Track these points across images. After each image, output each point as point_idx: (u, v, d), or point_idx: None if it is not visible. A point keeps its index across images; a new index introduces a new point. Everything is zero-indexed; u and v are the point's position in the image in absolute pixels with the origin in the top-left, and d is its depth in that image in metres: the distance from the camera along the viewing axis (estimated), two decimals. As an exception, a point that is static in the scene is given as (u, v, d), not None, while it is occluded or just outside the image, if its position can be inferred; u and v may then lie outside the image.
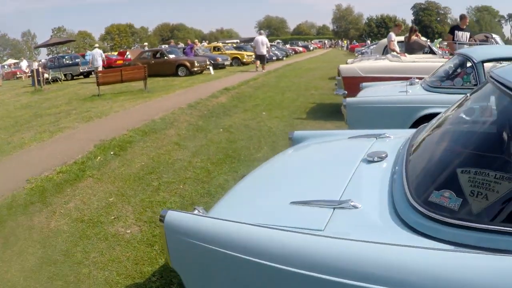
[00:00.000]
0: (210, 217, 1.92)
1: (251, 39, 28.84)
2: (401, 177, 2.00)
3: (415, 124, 4.74)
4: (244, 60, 26.96)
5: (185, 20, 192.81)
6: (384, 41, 11.68)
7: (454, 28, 9.58)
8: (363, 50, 16.44)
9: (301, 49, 52.32)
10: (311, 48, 61.61)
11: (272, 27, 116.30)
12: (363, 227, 1.73)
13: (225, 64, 24.46)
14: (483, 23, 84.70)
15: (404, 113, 4.88)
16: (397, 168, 2.20)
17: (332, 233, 1.65)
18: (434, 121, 2.83)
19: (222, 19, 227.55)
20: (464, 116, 2.74)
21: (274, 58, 29.37)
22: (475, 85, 4.82)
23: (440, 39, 16.55)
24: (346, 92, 7.84)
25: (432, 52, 10.12)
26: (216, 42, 40.65)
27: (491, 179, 1.64)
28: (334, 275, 1.43)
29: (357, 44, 50.88)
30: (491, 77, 2.20)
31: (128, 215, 4.20)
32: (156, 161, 5.90)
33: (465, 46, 9.14)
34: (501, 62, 4.85)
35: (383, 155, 2.41)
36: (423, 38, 10.72)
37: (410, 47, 9.57)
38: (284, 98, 11.69)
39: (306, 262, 1.52)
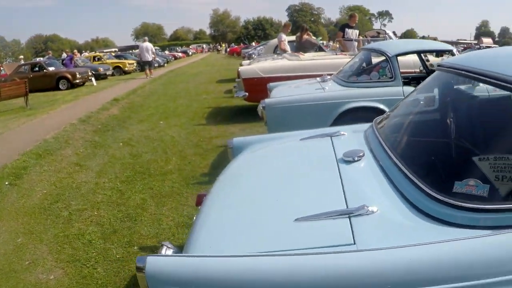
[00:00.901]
0: (210, 256, 1.51)
1: (130, 47, 28.01)
2: (404, 173, 1.89)
3: (337, 120, 4.79)
4: (126, 68, 26.23)
5: (59, 31, 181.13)
6: (274, 41, 11.85)
7: (344, 26, 9.98)
8: (250, 52, 16.56)
9: (180, 54, 52.54)
10: (190, 53, 61.73)
11: (150, 34, 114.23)
12: (393, 231, 1.60)
13: (107, 74, 23.40)
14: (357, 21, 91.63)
15: (326, 110, 4.89)
16: (388, 164, 2.08)
17: (368, 244, 1.47)
18: (393, 113, 2.85)
19: (97, 28, 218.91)
20: (424, 104, 2.91)
21: (156, 65, 28.89)
22: (391, 77, 5.00)
23: (320, 38, 17.29)
24: (246, 94, 7.87)
25: (321, 50, 10.45)
26: (95, 52, 38.93)
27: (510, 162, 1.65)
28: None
29: (236, 47, 51.80)
30: (441, 65, 2.63)
31: (45, 257, 3.54)
32: (59, 187, 5.18)
33: (354, 42, 9.58)
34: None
35: (361, 154, 2.27)
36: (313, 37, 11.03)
37: (302, 46, 9.78)
38: (178, 105, 11.33)
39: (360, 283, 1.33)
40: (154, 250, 3.41)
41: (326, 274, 1.35)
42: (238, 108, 10.24)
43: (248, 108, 10.03)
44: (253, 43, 43.24)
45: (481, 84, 2.43)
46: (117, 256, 3.45)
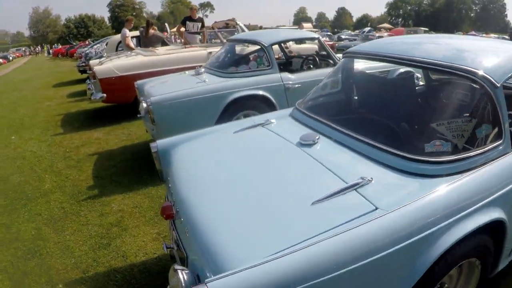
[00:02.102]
0: (263, 263, 1.51)
1: None
2: (374, 145, 2.29)
3: (225, 110, 5.02)
4: None
5: None
6: (115, 38, 11.47)
7: (186, 19, 10.10)
8: (87, 51, 15.67)
9: (1, 60, 47.22)
10: (11, 58, 55.73)
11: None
12: (396, 190, 1.98)
13: None
14: (178, 14, 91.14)
15: (214, 102, 5.06)
16: (351, 141, 2.43)
17: (389, 204, 1.81)
18: (317, 95, 3.24)
19: None
20: (346, 84, 3.42)
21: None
22: (268, 66, 5.40)
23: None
24: (104, 95, 7.61)
25: (165, 44, 10.45)
26: None
27: (458, 123, 2.27)
28: (438, 223, 1.84)
29: (60, 47, 48.43)
30: (347, 52, 3.27)
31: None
32: None
33: (197, 35, 9.84)
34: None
35: (317, 137, 2.55)
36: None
37: (148, 41, 9.69)
38: (22, 115, 10.15)
39: (403, 233, 1.73)
40: (84, 283, 3.25)
41: (371, 239, 1.64)
42: (92, 111, 9.77)
43: (103, 109, 9.61)
44: (79, 42, 40.79)
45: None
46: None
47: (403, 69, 3.86)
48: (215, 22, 10.81)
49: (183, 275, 1.73)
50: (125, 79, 7.57)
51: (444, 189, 1.97)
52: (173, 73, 6.63)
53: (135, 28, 11.34)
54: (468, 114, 2.43)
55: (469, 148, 2.23)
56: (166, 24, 13.41)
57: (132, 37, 10.16)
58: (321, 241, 1.59)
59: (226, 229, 1.86)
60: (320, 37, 6.06)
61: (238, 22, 9.79)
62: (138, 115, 5.42)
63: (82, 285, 3.23)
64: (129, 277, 3.30)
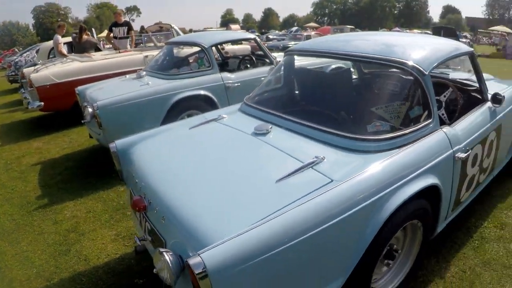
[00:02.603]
0: (243, 233, 1.74)
1: None
2: (323, 129, 2.62)
3: (170, 111, 5.25)
4: None
5: None
6: (47, 45, 11.20)
7: (112, 25, 10.11)
8: (16, 59, 15.02)
9: None
10: None
11: None
12: (346, 165, 2.31)
13: None
14: (104, 18, 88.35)
15: (159, 103, 5.23)
16: (302, 128, 2.74)
17: (342, 177, 2.14)
18: (264, 90, 3.60)
19: None
20: (287, 79, 3.75)
21: None
22: (209, 66, 5.69)
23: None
24: (42, 103, 7.53)
25: (98, 49, 10.40)
26: None
27: (394, 106, 2.68)
28: (383, 190, 2.20)
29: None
30: (289, 50, 3.66)
31: None
32: None
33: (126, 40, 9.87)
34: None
35: (269, 126, 2.83)
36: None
37: (82, 47, 9.54)
38: None
39: (356, 199, 2.08)
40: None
41: (330, 206, 1.95)
42: (29, 121, 9.46)
43: (40, 118, 9.37)
44: (3, 51, 38.63)
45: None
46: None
47: (340, 64, 4.26)
48: (149, 26, 10.85)
49: (169, 256, 1.89)
50: (62, 86, 7.54)
51: (386, 162, 2.32)
52: (111, 78, 6.68)
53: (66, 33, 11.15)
54: (402, 99, 2.83)
55: (405, 126, 2.62)
56: (93, 30, 13.22)
57: (64, 43, 10.02)
58: (290, 210, 1.88)
59: (201, 210, 2.03)
60: (257, 38, 6.40)
61: (172, 25, 9.90)
62: (83, 121, 5.46)
63: None
64: (95, 279, 3.35)
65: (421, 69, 2.72)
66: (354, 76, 4.08)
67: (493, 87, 3.84)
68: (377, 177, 2.21)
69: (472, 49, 3.53)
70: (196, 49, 6.17)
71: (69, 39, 10.38)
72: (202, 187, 2.27)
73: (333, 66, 4.47)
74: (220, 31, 6.59)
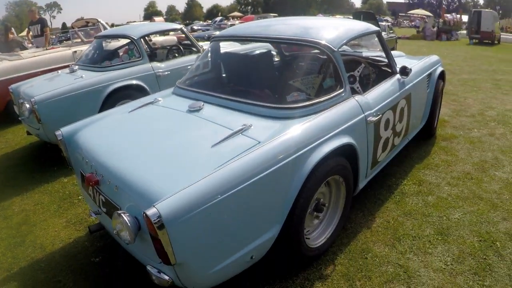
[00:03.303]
0: (187, 187, 2.06)
1: None
2: (249, 102, 2.96)
3: (105, 102, 5.48)
4: None
5: None
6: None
7: (29, 23, 9.95)
8: None
9: None
10: None
11: None
12: (270, 130, 2.64)
13: None
14: (23, 17, 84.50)
15: (94, 95, 5.40)
16: (229, 103, 3.07)
17: (267, 138, 2.49)
18: (193, 74, 3.88)
19: None
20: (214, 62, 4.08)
21: None
22: (139, 57, 5.90)
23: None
24: None
25: (24, 48, 10.23)
26: None
27: (309, 79, 3.08)
28: (303, 148, 2.58)
29: None
30: (215, 37, 4.01)
31: None
32: None
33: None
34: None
35: (201, 104, 3.11)
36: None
37: (9, 46, 9.39)
38: None
39: (280, 156, 2.43)
40: (13, 278, 3.38)
41: (259, 162, 2.29)
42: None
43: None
44: None
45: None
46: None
47: (262, 48, 4.63)
48: (75, 21, 10.74)
49: (126, 217, 2.13)
50: None
51: (305, 125, 2.70)
52: (42, 75, 6.66)
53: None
54: (316, 72, 3.21)
55: (320, 96, 3.00)
56: (13, 29, 12.91)
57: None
58: (225, 167, 2.20)
59: (149, 174, 2.30)
60: (183, 28, 6.65)
61: (99, 20, 9.89)
62: (20, 118, 5.52)
63: (11, 281, 3.34)
64: (53, 263, 3.46)
65: (331, 46, 3.11)
66: (276, 59, 4.44)
67: (404, 62, 4.34)
68: (297, 138, 2.56)
69: (378, 28, 3.99)
70: (125, 41, 6.34)
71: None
72: (147, 157, 2.51)
73: (257, 52, 4.86)
74: (148, 23, 6.75)
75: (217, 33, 4.18)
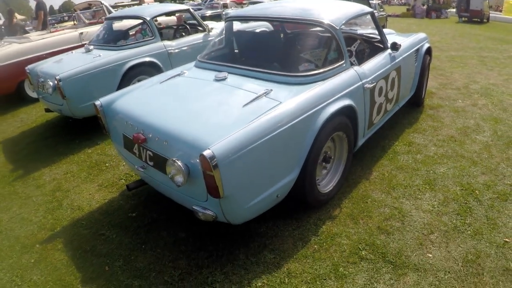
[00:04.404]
0: (232, 134, 2.65)
1: None
2: (268, 72, 3.55)
3: (123, 78, 6.05)
4: None
5: None
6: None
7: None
8: None
9: None
10: None
11: None
12: (289, 92, 3.25)
13: None
14: (10, 2, 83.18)
15: (113, 71, 5.96)
16: (251, 73, 3.66)
17: (286, 99, 3.11)
18: (213, 49, 4.41)
19: None
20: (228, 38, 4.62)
21: None
22: (152, 36, 6.45)
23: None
24: None
25: (26, 31, 10.58)
26: None
27: (317, 52, 3.64)
28: (315, 107, 3.22)
29: None
30: (229, 17, 4.53)
31: None
32: None
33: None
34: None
35: (226, 74, 3.70)
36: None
37: (13, 30, 9.77)
38: None
39: (298, 113, 3.06)
40: (58, 236, 3.74)
41: (282, 116, 2.92)
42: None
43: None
44: None
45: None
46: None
47: (262, 27, 5.26)
48: (78, 4, 11.10)
49: (179, 163, 2.69)
50: (5, 68, 7.81)
51: (315, 90, 3.32)
52: (52, 56, 7.04)
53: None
54: (322, 47, 3.83)
55: (326, 66, 3.62)
56: (0, 14, 13.18)
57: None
58: (258, 120, 2.83)
59: (195, 128, 2.85)
60: (190, 8, 7.24)
61: (102, 2, 10.27)
62: (40, 96, 6.11)
63: (58, 238, 3.71)
64: (93, 220, 3.88)
65: (334, 25, 3.74)
66: (281, 34, 5.04)
67: (394, 39, 5.00)
68: (310, 99, 3.20)
69: (372, 9, 4.61)
70: (135, 22, 6.97)
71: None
72: (189, 116, 3.05)
73: (265, 29, 5.53)
74: (156, 4, 7.16)
75: (231, 13, 4.74)
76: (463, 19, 25.16)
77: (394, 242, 3.27)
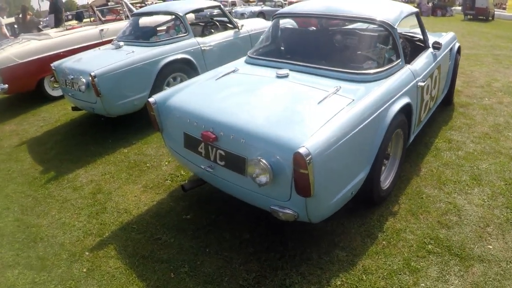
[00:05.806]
0: (317, 131, 2.74)
1: None
2: (333, 69, 3.68)
3: (158, 75, 6.09)
4: None
5: None
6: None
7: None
8: None
9: None
10: None
11: None
12: (357, 91, 3.37)
13: None
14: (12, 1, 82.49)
15: (149, 68, 5.98)
16: (313, 70, 3.78)
17: (358, 97, 3.25)
18: (266, 45, 4.53)
19: None
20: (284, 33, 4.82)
21: None
22: (185, 33, 6.59)
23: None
24: (6, 86, 7.61)
25: (40, 29, 10.59)
26: None
27: (377, 51, 3.83)
28: (384, 104, 3.39)
29: None
30: (277, 14, 4.68)
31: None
32: None
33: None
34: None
35: (286, 71, 3.79)
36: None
37: (27, 27, 9.77)
38: None
39: (371, 110, 3.21)
40: (108, 242, 3.62)
41: (359, 115, 3.08)
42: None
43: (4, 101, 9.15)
44: None
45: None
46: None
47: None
48: (94, 0, 11.07)
49: (264, 162, 2.69)
50: (26, 65, 7.82)
51: (381, 87, 3.47)
52: (73, 54, 7.07)
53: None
54: (382, 45, 3.99)
55: (386, 64, 3.78)
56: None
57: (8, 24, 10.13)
58: (338, 117, 2.96)
59: (277, 126, 2.87)
60: (221, 5, 7.37)
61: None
62: (69, 94, 6.13)
63: (108, 244, 3.61)
64: (145, 223, 3.80)
65: (392, 24, 3.89)
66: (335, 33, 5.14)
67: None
68: (380, 97, 3.35)
69: (417, 10, 4.80)
70: (166, 18, 7.10)
71: (11, 20, 10.49)
72: (266, 113, 3.07)
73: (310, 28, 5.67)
74: (185, 1, 7.18)
75: (280, 10, 4.87)
76: (469, 16, 25.49)
77: (456, 236, 3.45)
